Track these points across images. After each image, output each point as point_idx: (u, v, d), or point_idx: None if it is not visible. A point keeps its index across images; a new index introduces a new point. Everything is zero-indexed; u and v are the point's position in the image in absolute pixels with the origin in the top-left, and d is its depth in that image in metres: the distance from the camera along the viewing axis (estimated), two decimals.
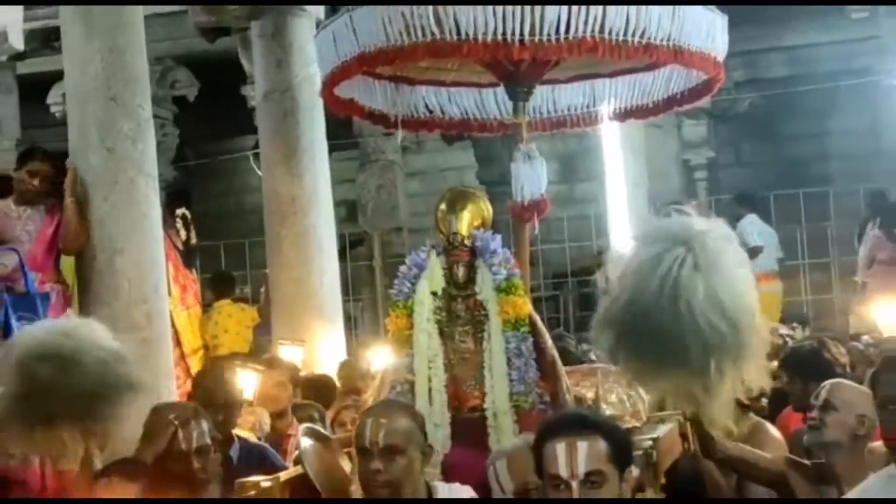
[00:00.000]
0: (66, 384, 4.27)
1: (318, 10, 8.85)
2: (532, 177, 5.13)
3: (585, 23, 4.50)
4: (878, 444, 4.11)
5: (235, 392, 5.36)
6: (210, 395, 5.12)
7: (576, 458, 2.82)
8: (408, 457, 3.51)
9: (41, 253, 6.36)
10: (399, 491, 3.49)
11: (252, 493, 4.08)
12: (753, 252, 10.97)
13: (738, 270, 3.84)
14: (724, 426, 4.15)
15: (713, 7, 5.08)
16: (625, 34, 4.59)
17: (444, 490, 3.69)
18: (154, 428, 4.33)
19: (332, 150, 9.24)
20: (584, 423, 2.97)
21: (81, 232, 6.31)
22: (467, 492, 3.74)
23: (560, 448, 2.84)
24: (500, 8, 4.44)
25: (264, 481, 4.19)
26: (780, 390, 5.81)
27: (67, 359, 4.30)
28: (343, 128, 10.85)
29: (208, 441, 4.35)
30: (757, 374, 4.04)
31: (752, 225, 12.07)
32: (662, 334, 3.64)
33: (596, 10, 4.49)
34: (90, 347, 4.39)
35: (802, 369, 5.41)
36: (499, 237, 4.71)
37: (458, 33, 4.50)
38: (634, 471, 3.06)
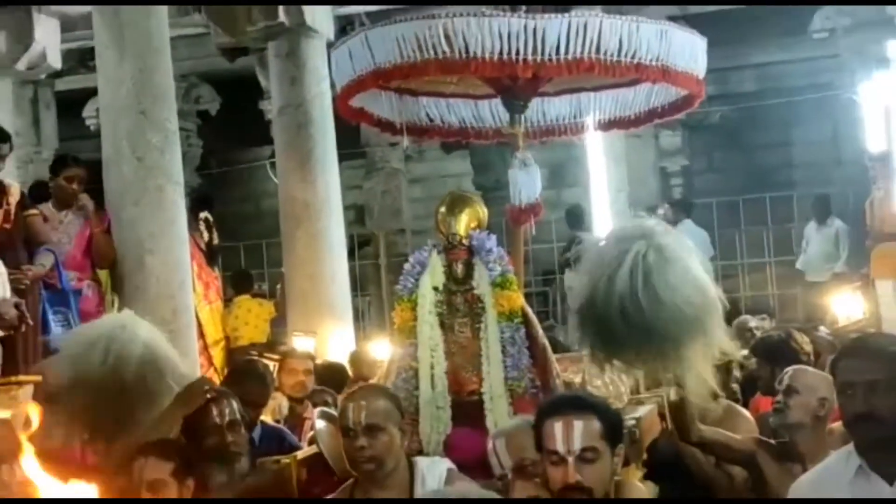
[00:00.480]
0: (110, 379, 4.24)
1: (329, 32, 8.84)
2: (528, 182, 5.13)
3: (583, 44, 4.53)
4: (836, 425, 4.10)
5: (270, 389, 5.39)
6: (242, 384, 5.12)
7: (572, 435, 2.81)
8: (388, 433, 3.57)
9: (79, 255, 6.36)
10: (383, 464, 3.55)
11: (273, 470, 4.09)
12: None
13: (691, 256, 3.87)
14: (707, 391, 4.14)
15: (694, 31, 5.12)
16: (618, 55, 4.63)
17: (423, 463, 3.72)
18: (188, 394, 4.31)
19: (341, 159, 9.22)
20: (581, 403, 2.97)
21: (110, 252, 6.40)
22: (446, 463, 3.77)
23: (558, 426, 2.84)
24: (504, 29, 4.47)
25: (283, 459, 4.20)
26: (751, 376, 5.81)
27: (114, 356, 4.28)
28: (351, 139, 10.82)
29: (238, 417, 4.34)
30: (721, 344, 4.05)
31: (687, 231, 12.18)
32: (637, 317, 3.64)
33: (592, 32, 4.53)
34: (136, 345, 4.37)
35: (771, 356, 5.39)
36: (494, 237, 4.70)
37: (467, 52, 4.52)
38: (623, 449, 3.05)
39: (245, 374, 5.50)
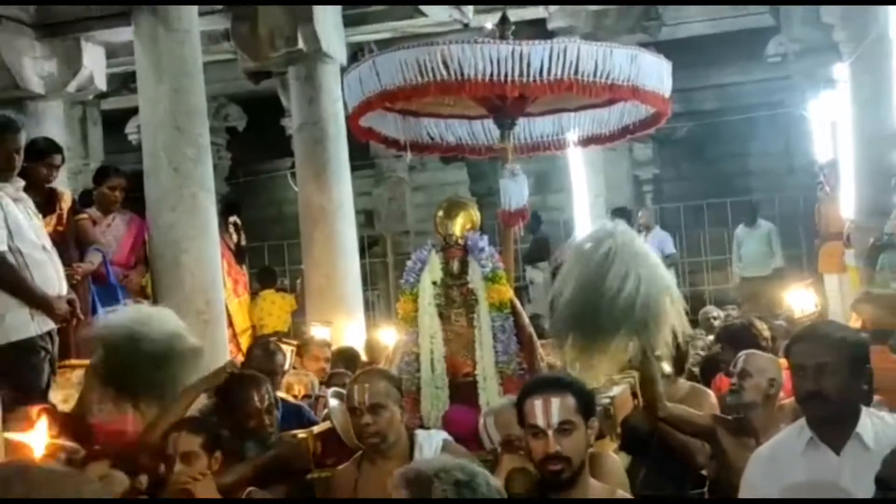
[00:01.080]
0: (141, 357, 4.25)
1: (342, 58, 8.83)
2: (517, 190, 5.13)
3: (562, 67, 4.52)
4: (786, 401, 4.10)
5: (278, 364, 5.40)
6: (260, 366, 5.14)
7: (550, 411, 2.81)
8: (390, 410, 3.59)
9: (125, 254, 6.36)
10: (386, 438, 3.57)
11: (292, 443, 4.09)
12: None
13: (651, 252, 3.86)
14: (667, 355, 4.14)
15: (661, 55, 5.13)
16: (594, 76, 4.62)
17: (422, 436, 3.74)
18: (214, 374, 4.39)
19: (352, 169, 9.21)
20: (557, 383, 2.96)
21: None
22: (442, 435, 3.78)
23: (538, 403, 2.83)
24: (494, 54, 4.47)
25: (301, 433, 4.20)
26: (713, 359, 5.80)
27: (143, 336, 4.29)
28: (361, 151, 10.82)
29: (274, 401, 4.36)
30: (678, 324, 4.05)
31: (656, 234, 12.28)
32: (610, 303, 3.64)
33: (571, 56, 4.52)
34: (161, 328, 4.38)
35: (734, 341, 5.39)
36: (486, 237, 4.70)
37: (462, 74, 4.51)
38: (596, 422, 3.04)
39: (256, 348, 5.57)
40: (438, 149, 6.27)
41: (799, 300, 6.76)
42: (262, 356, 5.37)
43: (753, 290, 11.38)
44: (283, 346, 6.35)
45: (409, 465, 2.69)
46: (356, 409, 3.58)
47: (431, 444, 3.65)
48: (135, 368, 4.27)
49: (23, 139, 5.17)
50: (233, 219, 8.50)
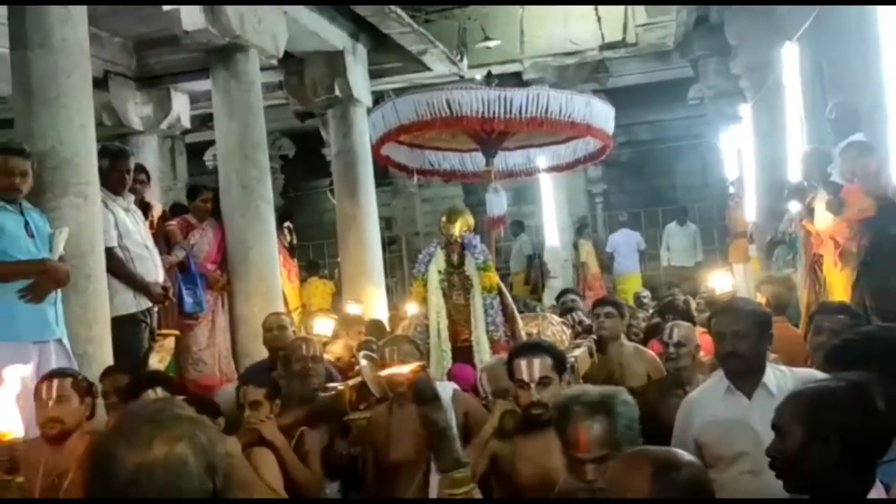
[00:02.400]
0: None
1: (368, 101, 8.78)
2: (498, 202, 5.17)
3: (536, 108, 4.61)
4: (705, 358, 4.05)
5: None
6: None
7: (533, 368, 2.79)
8: None
9: (214, 253, 6.33)
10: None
11: (332, 393, 4.02)
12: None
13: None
14: None
15: (608, 101, 5.21)
16: (559, 115, 4.67)
17: (439, 385, 3.63)
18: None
19: (376, 186, 9.17)
20: (538, 347, 2.94)
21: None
22: (452, 385, 3.68)
23: (523, 363, 2.81)
24: (485, 97, 4.54)
25: (339, 385, 4.17)
26: (655, 326, 5.68)
27: None
28: (382, 173, 10.75)
29: (319, 354, 4.22)
30: None
31: (624, 234, 12.35)
32: None
33: (542, 100, 4.64)
34: None
35: (673, 313, 5.36)
36: (478, 237, 4.72)
37: (461, 111, 4.56)
38: (567, 376, 3.02)
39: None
40: (437, 173, 6.38)
41: (719, 282, 6.73)
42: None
43: (680, 276, 11.34)
44: (328, 318, 6.37)
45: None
46: (388, 366, 3.47)
47: (446, 392, 3.57)
48: None
49: (132, 163, 5.20)
50: (287, 224, 8.41)
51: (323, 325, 6.44)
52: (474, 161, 5.99)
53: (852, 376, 1.82)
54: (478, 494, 2.38)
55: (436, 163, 6.21)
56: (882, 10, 4.45)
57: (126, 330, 4.73)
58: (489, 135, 5.08)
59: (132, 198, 5.21)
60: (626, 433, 2.16)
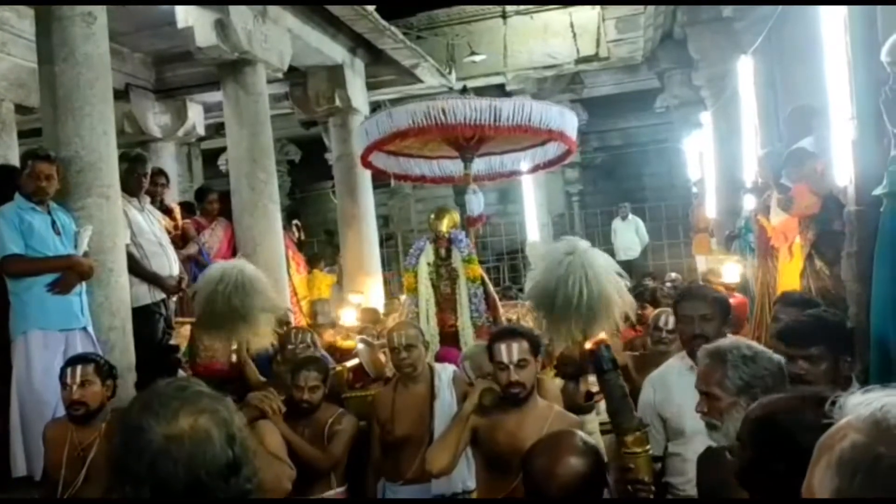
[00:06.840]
0: (234, 303, 3.84)
1: (366, 111, 8.76)
2: (476, 202, 5.18)
3: (520, 117, 4.63)
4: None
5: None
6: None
7: (512, 351, 2.75)
8: (418, 349, 3.51)
9: (224, 249, 6.32)
10: (416, 368, 3.48)
11: (333, 373, 3.97)
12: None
13: (605, 262, 3.50)
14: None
15: (577, 111, 5.30)
16: (538, 123, 4.71)
17: (439, 368, 3.65)
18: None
19: (374, 187, 9.16)
20: (516, 331, 2.91)
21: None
22: (452, 367, 3.65)
23: (503, 346, 2.77)
24: (476, 106, 4.56)
25: (337, 367, 4.16)
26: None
27: (238, 285, 3.87)
28: (380, 176, 10.75)
29: (310, 343, 4.11)
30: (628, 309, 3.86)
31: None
32: (568, 300, 3.39)
33: (526, 109, 4.65)
34: (251, 280, 3.95)
35: (650, 300, 5.38)
36: (463, 233, 4.72)
37: (454, 119, 4.57)
38: (542, 358, 3.01)
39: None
40: (421, 179, 6.39)
41: (728, 272, 6.34)
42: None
43: (627, 268, 11.36)
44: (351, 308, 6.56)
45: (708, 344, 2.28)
46: (395, 349, 3.47)
47: (446, 373, 3.57)
48: (223, 313, 3.88)
49: (149, 167, 5.20)
50: (295, 221, 8.43)
51: (349, 315, 6.67)
52: (451, 168, 6.00)
53: (807, 391, 1.68)
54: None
55: (423, 169, 6.22)
56: (826, 26, 4.47)
57: (141, 319, 4.70)
58: (468, 142, 5.10)
59: (147, 199, 5.18)
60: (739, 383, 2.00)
